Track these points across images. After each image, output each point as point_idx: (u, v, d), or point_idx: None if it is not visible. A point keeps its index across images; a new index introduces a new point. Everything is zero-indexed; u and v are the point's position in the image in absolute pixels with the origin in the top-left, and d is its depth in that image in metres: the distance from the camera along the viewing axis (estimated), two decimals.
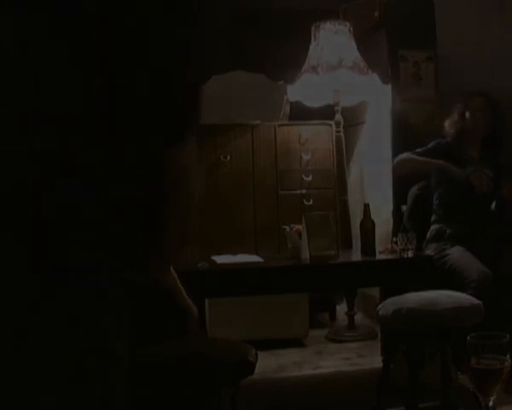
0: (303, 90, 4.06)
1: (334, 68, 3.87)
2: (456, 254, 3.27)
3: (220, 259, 3.12)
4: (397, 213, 3.85)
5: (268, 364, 3.71)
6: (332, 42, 3.94)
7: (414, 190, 3.67)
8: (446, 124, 3.62)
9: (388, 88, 4.05)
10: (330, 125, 4.49)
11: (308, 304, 4.26)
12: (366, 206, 3.24)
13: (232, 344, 2.44)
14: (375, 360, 3.68)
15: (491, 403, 1.19)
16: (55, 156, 0.87)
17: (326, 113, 4.37)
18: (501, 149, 3.60)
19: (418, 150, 3.58)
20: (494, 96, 3.60)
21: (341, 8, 4.29)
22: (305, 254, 3.03)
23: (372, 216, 3.22)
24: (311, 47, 4.01)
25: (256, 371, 2.31)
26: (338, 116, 4.18)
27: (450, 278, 3.18)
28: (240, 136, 4.68)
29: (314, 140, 4.74)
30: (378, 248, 3.20)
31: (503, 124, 3.57)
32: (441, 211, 3.52)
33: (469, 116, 3.56)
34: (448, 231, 3.42)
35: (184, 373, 2.20)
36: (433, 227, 3.51)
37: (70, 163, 0.88)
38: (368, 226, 3.17)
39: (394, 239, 3.22)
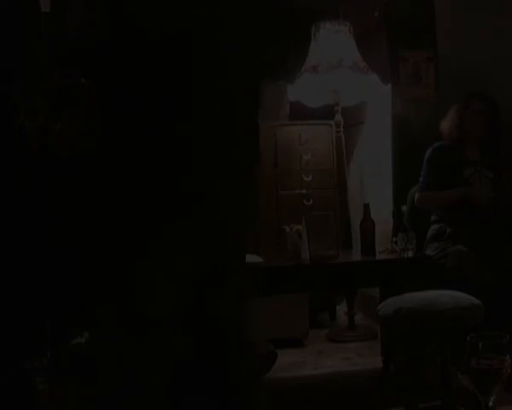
0: (303, 90, 4.06)
1: (334, 68, 3.87)
2: (456, 253, 3.26)
3: None
4: (397, 213, 3.85)
5: None
6: (332, 42, 3.94)
7: (414, 190, 3.66)
8: (444, 126, 3.59)
9: (388, 88, 4.05)
10: (330, 126, 4.48)
11: (308, 304, 4.26)
12: (366, 206, 3.24)
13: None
14: (375, 360, 3.68)
15: (491, 403, 1.19)
16: None
17: (326, 113, 4.37)
18: (500, 150, 3.59)
19: (426, 178, 3.47)
20: (491, 96, 3.59)
21: (341, 8, 4.30)
22: (305, 254, 3.03)
23: (372, 216, 3.21)
24: (311, 47, 4.01)
25: None
26: (338, 116, 4.18)
27: (450, 277, 3.18)
28: None
29: (314, 140, 4.73)
30: (378, 248, 3.20)
31: (500, 124, 3.56)
32: (441, 212, 3.51)
33: (468, 118, 3.53)
34: (448, 231, 3.42)
35: None
36: (434, 227, 3.50)
37: None
38: (368, 226, 3.17)
39: (394, 239, 3.21)
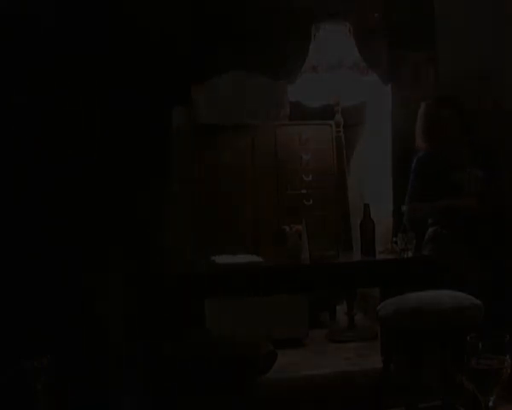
0: (303, 90, 4.06)
1: (334, 68, 3.87)
2: (454, 254, 3.26)
3: (220, 259, 3.12)
4: (397, 213, 3.85)
5: None
6: (332, 42, 3.94)
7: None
8: (421, 146, 3.57)
9: (388, 88, 4.05)
10: (330, 126, 4.48)
11: (308, 304, 4.26)
12: (366, 206, 3.24)
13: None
14: (375, 360, 3.68)
15: (491, 403, 1.19)
16: None
17: (326, 113, 4.37)
18: (489, 150, 3.57)
19: (413, 188, 3.50)
20: (453, 96, 3.58)
21: (341, 9, 4.30)
22: (305, 254, 3.03)
23: (372, 216, 3.21)
24: (311, 47, 4.02)
25: None
26: (338, 116, 4.18)
27: (449, 278, 3.18)
28: (240, 136, 4.68)
29: (314, 140, 4.73)
30: (378, 248, 3.20)
31: (469, 124, 3.54)
32: (434, 217, 3.51)
33: (435, 130, 3.52)
34: (445, 232, 3.42)
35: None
36: (431, 229, 3.50)
37: None
38: (368, 226, 3.17)
39: (394, 239, 3.21)
